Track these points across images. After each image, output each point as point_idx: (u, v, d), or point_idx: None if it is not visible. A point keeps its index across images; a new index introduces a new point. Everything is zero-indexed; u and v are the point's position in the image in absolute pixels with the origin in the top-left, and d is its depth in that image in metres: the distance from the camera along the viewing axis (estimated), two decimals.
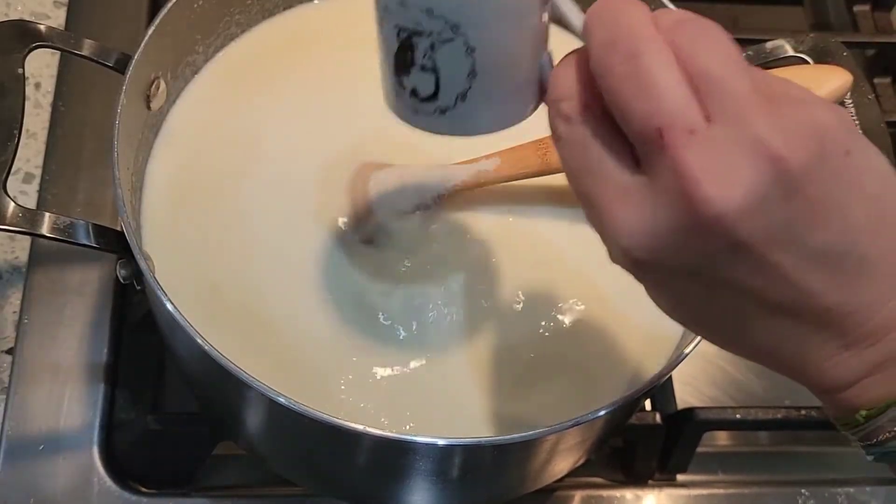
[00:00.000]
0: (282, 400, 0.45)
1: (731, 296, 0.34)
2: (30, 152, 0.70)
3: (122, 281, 0.51)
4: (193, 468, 0.63)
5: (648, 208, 0.33)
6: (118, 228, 0.50)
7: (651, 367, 0.53)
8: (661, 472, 0.66)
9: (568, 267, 0.57)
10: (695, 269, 0.33)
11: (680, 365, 0.50)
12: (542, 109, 0.61)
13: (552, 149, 0.55)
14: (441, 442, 0.46)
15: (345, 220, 0.57)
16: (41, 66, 0.74)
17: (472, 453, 0.50)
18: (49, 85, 0.73)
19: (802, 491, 0.65)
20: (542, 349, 0.55)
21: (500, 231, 0.58)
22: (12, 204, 0.48)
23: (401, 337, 0.54)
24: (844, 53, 0.57)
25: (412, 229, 0.57)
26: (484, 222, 0.58)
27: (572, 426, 0.47)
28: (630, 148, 0.34)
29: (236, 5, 0.62)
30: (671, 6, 0.59)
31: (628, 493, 0.64)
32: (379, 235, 0.56)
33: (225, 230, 0.56)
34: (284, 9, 0.65)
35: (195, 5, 0.58)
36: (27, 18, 0.61)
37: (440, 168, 0.57)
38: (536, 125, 0.56)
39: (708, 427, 0.65)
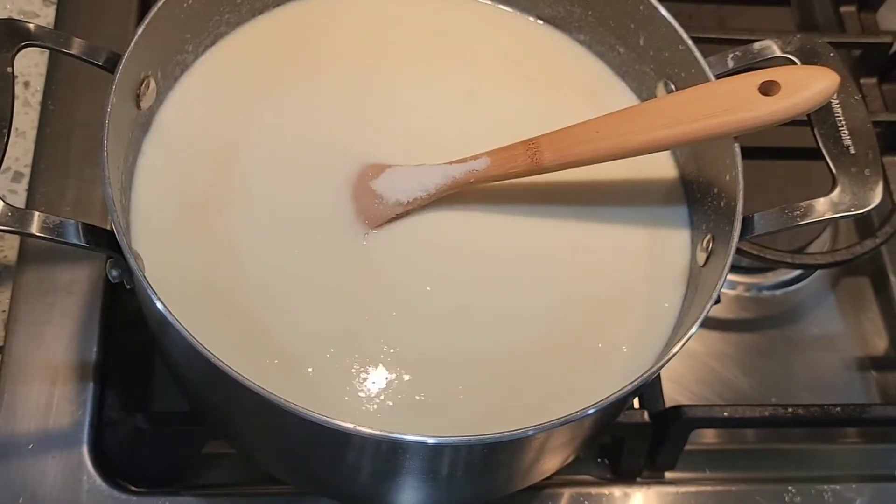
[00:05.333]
0: (273, 398, 0.45)
1: None
2: (19, 151, 0.70)
3: (111, 280, 0.51)
4: (183, 467, 0.63)
5: None
6: (108, 227, 0.50)
7: (639, 366, 0.53)
8: (649, 469, 0.66)
9: (557, 266, 0.58)
10: None
11: (668, 364, 0.50)
12: (531, 112, 0.62)
13: (541, 149, 0.55)
14: (431, 440, 0.47)
15: (338, 218, 0.57)
16: (30, 65, 0.73)
17: (461, 452, 0.50)
18: (38, 84, 0.73)
19: (789, 488, 0.65)
20: (530, 348, 0.55)
21: (490, 230, 0.58)
22: (1, 203, 0.48)
23: (394, 335, 0.54)
24: (831, 54, 0.57)
25: (404, 227, 0.57)
26: (474, 221, 0.58)
27: (561, 425, 0.47)
28: None
29: (226, 4, 0.61)
30: (661, 8, 0.60)
31: (616, 491, 0.64)
32: (374, 233, 0.56)
33: (215, 228, 0.56)
34: (274, 6, 0.65)
35: (185, 4, 0.58)
36: (16, 17, 0.61)
37: (432, 167, 0.57)
38: (528, 126, 0.57)
39: (695, 425, 0.65)
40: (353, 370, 0.53)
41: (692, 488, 0.65)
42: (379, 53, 0.64)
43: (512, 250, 0.58)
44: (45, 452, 0.60)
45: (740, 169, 0.55)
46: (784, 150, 0.77)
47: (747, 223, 0.54)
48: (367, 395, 0.52)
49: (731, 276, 0.77)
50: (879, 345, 0.77)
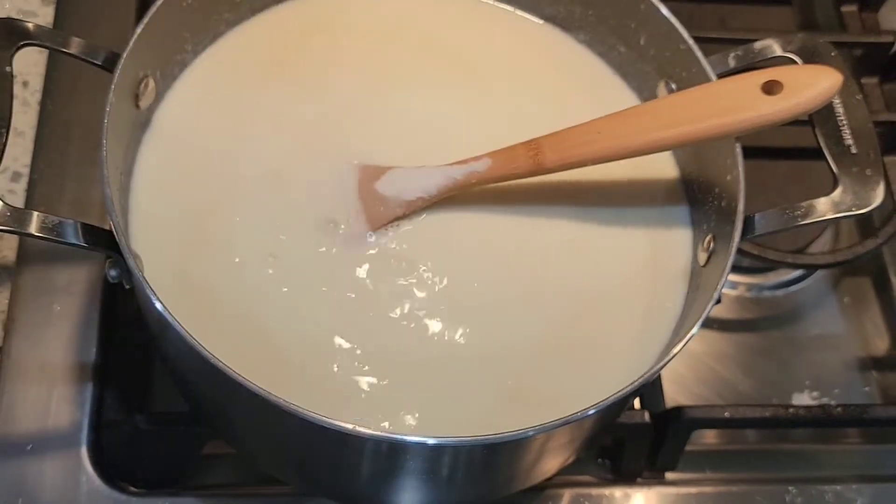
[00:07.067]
0: (272, 398, 0.45)
1: None
2: (18, 151, 0.70)
3: (110, 280, 0.51)
4: (182, 467, 0.63)
5: None
6: (107, 227, 0.50)
7: (640, 366, 0.53)
8: (649, 470, 0.66)
9: (558, 267, 0.58)
10: None
11: (669, 364, 0.50)
12: (531, 112, 0.62)
13: (543, 150, 0.55)
14: (431, 441, 0.47)
15: (338, 219, 0.56)
16: (29, 65, 0.73)
17: (461, 452, 0.50)
18: (37, 83, 0.72)
19: (790, 489, 0.65)
20: (531, 348, 0.55)
21: (491, 231, 0.58)
22: (0, 203, 0.48)
23: (393, 336, 0.54)
24: (833, 53, 0.57)
25: (405, 230, 0.57)
26: (475, 222, 0.58)
27: (561, 425, 0.47)
28: None
29: (225, 3, 0.61)
30: (662, 7, 0.60)
31: (617, 492, 0.64)
32: (374, 235, 0.56)
33: (214, 228, 0.56)
34: (274, 4, 0.64)
35: (184, 3, 0.58)
36: (15, 16, 0.61)
37: (433, 169, 0.57)
38: (529, 126, 0.57)
39: (696, 425, 0.65)
40: (354, 371, 0.52)
41: (693, 489, 0.65)
42: (378, 52, 0.64)
43: (513, 251, 0.58)
44: (44, 453, 0.60)
45: (741, 169, 0.54)
46: (785, 150, 0.77)
47: (748, 223, 0.54)
48: (368, 395, 0.52)
49: (731, 276, 0.77)
50: (881, 345, 0.77)
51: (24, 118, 0.71)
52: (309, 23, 0.64)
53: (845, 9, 0.86)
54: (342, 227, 0.56)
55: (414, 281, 0.56)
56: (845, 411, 0.67)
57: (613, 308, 0.57)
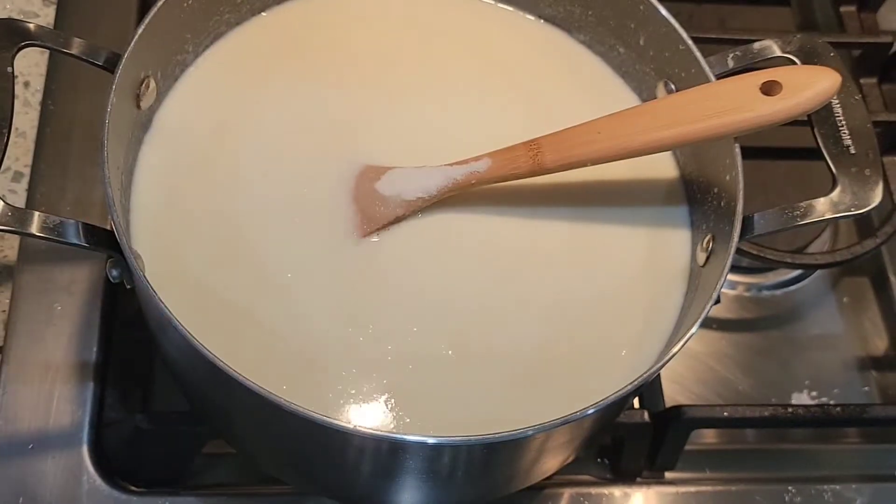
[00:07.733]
0: (272, 398, 0.45)
1: None
2: (19, 151, 0.70)
3: (111, 280, 0.51)
4: (183, 467, 0.63)
5: None
6: (108, 227, 0.50)
7: (639, 366, 0.53)
8: (649, 469, 0.66)
9: (557, 267, 0.58)
10: None
11: (668, 363, 0.50)
12: (532, 112, 0.62)
13: (543, 150, 0.55)
14: (431, 440, 0.47)
15: (338, 219, 0.57)
16: (30, 65, 0.73)
17: (461, 452, 0.50)
18: (38, 84, 0.73)
19: (789, 488, 0.65)
20: (531, 348, 0.55)
21: (491, 231, 0.58)
22: (1, 203, 0.48)
23: (395, 336, 0.54)
24: (832, 54, 0.57)
25: (405, 230, 0.57)
26: (475, 223, 0.58)
27: (561, 425, 0.47)
28: None
29: (226, 3, 0.61)
30: (661, 8, 0.60)
31: (616, 491, 0.64)
32: (374, 235, 0.56)
33: (215, 228, 0.56)
34: (275, 5, 0.65)
35: (185, 4, 0.58)
36: (16, 17, 0.61)
37: (433, 169, 0.57)
38: (529, 126, 0.57)
39: (696, 425, 0.65)
40: (354, 370, 0.53)
41: (692, 488, 0.65)
42: (378, 53, 0.64)
43: (512, 251, 0.58)
44: (44, 452, 0.60)
45: (740, 169, 0.55)
46: (784, 150, 0.78)
47: (747, 223, 0.54)
48: (368, 394, 0.52)
49: (731, 276, 0.77)
50: (879, 345, 0.77)
51: (26, 118, 0.71)
52: (309, 23, 0.64)
53: (844, 9, 0.86)
54: (343, 227, 0.56)
55: (413, 281, 0.56)
56: (844, 411, 0.67)
57: (613, 308, 0.57)
